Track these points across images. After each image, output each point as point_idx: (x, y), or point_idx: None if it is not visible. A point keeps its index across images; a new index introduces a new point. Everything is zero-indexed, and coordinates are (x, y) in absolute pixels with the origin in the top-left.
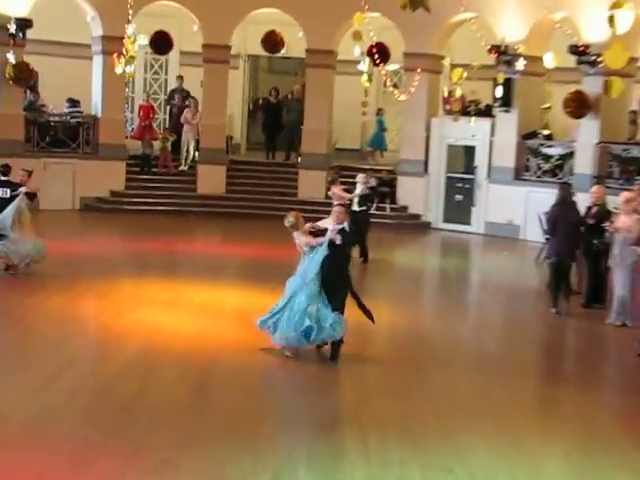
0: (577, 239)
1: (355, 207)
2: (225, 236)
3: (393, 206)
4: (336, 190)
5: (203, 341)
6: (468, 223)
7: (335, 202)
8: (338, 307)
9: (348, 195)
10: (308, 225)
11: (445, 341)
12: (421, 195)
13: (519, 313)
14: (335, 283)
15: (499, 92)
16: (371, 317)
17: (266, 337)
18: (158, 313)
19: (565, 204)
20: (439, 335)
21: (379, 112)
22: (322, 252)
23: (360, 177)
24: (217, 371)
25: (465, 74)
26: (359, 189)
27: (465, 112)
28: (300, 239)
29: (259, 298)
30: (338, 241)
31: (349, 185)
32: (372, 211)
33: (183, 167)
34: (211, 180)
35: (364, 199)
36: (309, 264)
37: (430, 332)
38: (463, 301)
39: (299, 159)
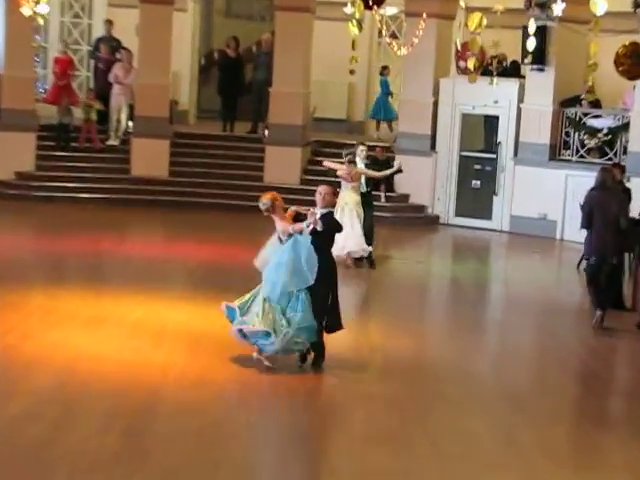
0: (620, 233)
1: (364, 188)
2: (169, 233)
3: (390, 194)
4: (359, 170)
5: (139, 371)
6: (488, 217)
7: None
8: (320, 307)
9: (376, 174)
10: (294, 208)
11: (457, 373)
12: (427, 180)
13: (554, 337)
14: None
15: (530, 45)
16: (337, 326)
17: (223, 366)
18: (80, 334)
19: (604, 189)
20: (449, 365)
21: (383, 71)
22: (305, 243)
23: (361, 149)
24: (157, 411)
25: (485, 21)
26: (361, 164)
27: (485, 71)
28: (278, 225)
29: (214, 315)
30: (319, 227)
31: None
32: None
33: (112, 141)
34: (150, 159)
35: (368, 178)
36: (295, 255)
37: (438, 361)
38: (481, 321)
39: (266, 132)
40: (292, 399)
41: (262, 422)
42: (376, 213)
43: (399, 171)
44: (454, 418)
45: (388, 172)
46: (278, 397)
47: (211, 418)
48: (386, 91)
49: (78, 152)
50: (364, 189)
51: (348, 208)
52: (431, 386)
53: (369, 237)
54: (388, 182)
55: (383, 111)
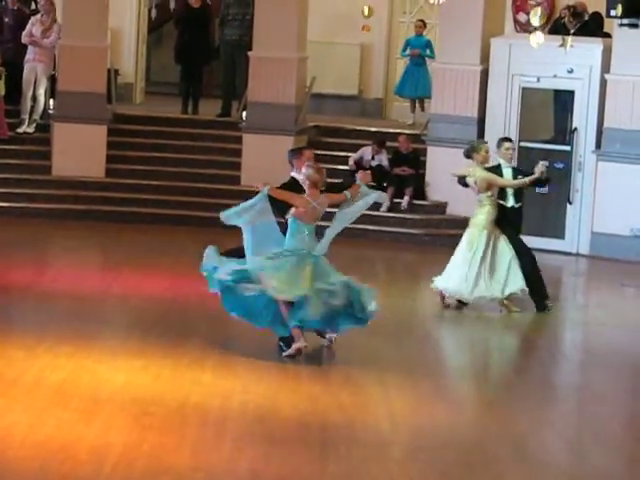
0: None
1: (511, 201)
2: (106, 257)
3: (419, 203)
4: (484, 176)
5: (62, 457)
6: (560, 235)
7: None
8: None
9: (506, 182)
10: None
11: (518, 458)
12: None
13: None
14: None
15: None
16: None
17: (183, 447)
18: None
19: None
20: (505, 446)
21: (419, 26)
22: None
23: (506, 147)
24: None
25: None
26: (507, 170)
27: (555, 27)
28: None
29: (172, 376)
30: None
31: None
32: (384, 210)
33: (26, 128)
34: (79, 153)
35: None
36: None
37: (488, 440)
38: (550, 384)
39: (244, 114)
40: None
41: None
42: (399, 229)
43: (544, 181)
44: None
45: (526, 180)
46: None
47: None
48: (428, 54)
49: None
50: (510, 202)
51: (491, 235)
52: (479, 474)
53: (534, 277)
54: (417, 184)
55: (419, 87)
